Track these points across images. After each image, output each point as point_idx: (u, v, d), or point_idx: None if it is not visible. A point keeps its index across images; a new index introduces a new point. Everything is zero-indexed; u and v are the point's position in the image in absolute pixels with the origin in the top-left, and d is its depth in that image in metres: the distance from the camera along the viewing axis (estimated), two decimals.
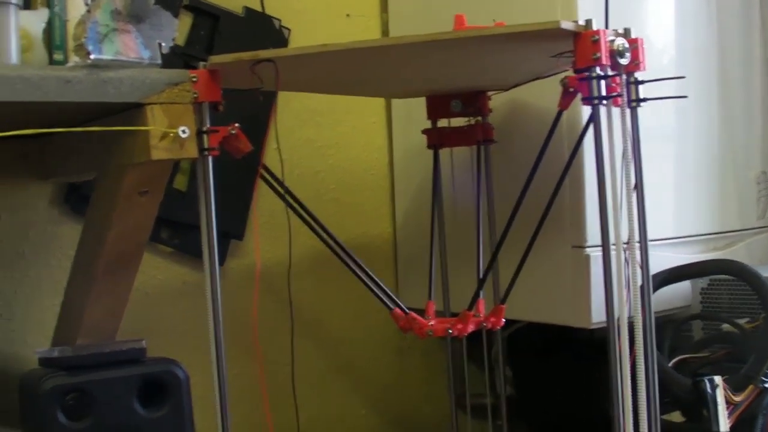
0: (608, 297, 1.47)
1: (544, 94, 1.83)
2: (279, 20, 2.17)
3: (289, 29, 2.19)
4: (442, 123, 2.02)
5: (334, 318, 2.27)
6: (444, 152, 2.04)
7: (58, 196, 1.92)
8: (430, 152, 2.01)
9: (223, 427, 1.53)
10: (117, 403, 1.50)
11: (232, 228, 2.08)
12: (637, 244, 1.54)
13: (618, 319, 1.48)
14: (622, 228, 1.51)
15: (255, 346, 1.91)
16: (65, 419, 1.47)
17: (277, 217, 2.12)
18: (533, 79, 1.86)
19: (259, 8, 2.12)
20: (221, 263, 2.07)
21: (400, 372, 2.39)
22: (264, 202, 2.13)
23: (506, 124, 2.01)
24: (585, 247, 1.88)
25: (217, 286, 1.54)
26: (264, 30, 2.13)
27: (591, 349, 2.19)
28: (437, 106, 1.99)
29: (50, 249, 1.91)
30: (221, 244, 2.07)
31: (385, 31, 2.36)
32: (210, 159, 1.52)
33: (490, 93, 1.98)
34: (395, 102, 2.34)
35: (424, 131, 2.01)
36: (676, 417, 1.74)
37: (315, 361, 2.24)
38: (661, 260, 1.94)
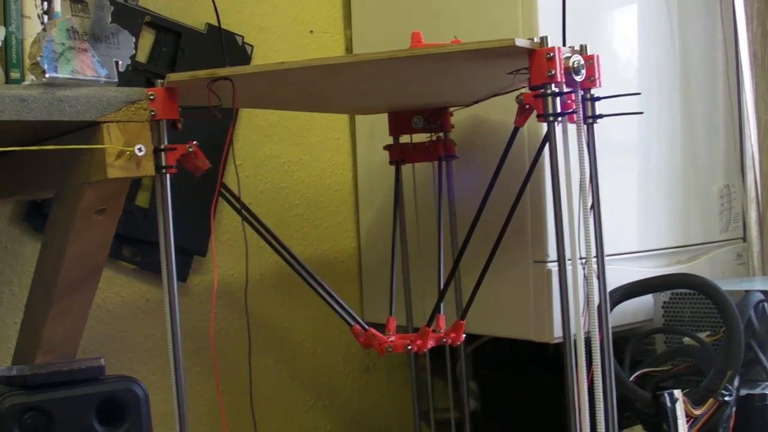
0: (564, 314, 1.48)
1: (506, 110, 1.83)
2: (242, 37, 2.17)
3: (252, 46, 2.19)
4: (405, 139, 2.02)
5: (299, 335, 2.27)
6: (407, 168, 2.04)
7: (19, 214, 1.91)
8: (393, 168, 2.02)
9: None
10: (76, 421, 1.49)
11: (195, 244, 2.07)
12: (594, 261, 1.55)
13: (575, 336, 1.48)
14: (581, 244, 1.51)
15: (213, 364, 1.90)
16: None
17: (241, 234, 2.12)
18: (494, 95, 1.87)
19: (221, 25, 2.12)
20: (184, 280, 2.07)
21: (365, 388, 2.39)
22: (227, 218, 2.13)
23: (468, 139, 2.01)
24: (547, 262, 1.89)
25: (175, 303, 1.53)
26: (227, 47, 2.12)
27: (556, 363, 2.20)
28: (399, 123, 2.00)
29: (12, 267, 1.90)
30: (184, 261, 2.07)
31: (348, 48, 2.37)
32: (168, 177, 1.52)
33: (451, 109, 1.99)
34: (359, 118, 2.35)
35: (386, 147, 2.01)
36: (639, 431, 1.74)
37: (279, 378, 2.24)
38: (625, 274, 1.95)
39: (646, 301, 2.02)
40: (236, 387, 2.09)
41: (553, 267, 1.88)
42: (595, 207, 1.56)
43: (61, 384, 1.51)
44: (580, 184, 1.50)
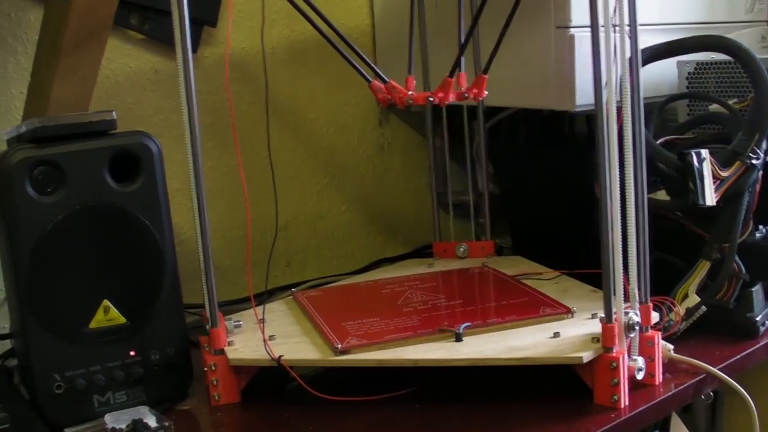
0: (595, 58, 1.41)
1: None
2: None
3: None
4: None
5: (313, 112, 2.22)
6: None
7: None
8: None
9: (200, 219, 1.48)
10: (88, 175, 1.45)
11: (205, 14, 2.00)
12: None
13: (605, 86, 1.42)
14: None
15: (233, 137, 1.85)
16: (35, 193, 1.42)
17: (254, 4, 2.05)
18: None
19: None
20: (194, 50, 1.99)
21: (380, 169, 2.35)
22: None
23: None
24: (570, 27, 1.82)
25: (191, 74, 1.47)
26: None
27: (574, 142, 2.17)
28: None
29: (16, 36, 1.83)
30: (193, 31, 1.99)
31: None
32: None
33: None
34: None
35: None
36: (662, 196, 1.71)
37: (292, 156, 2.20)
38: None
39: (670, 73, 1.96)
40: (250, 164, 2.06)
41: (577, 32, 1.81)
42: None
43: (71, 137, 1.46)
44: None
